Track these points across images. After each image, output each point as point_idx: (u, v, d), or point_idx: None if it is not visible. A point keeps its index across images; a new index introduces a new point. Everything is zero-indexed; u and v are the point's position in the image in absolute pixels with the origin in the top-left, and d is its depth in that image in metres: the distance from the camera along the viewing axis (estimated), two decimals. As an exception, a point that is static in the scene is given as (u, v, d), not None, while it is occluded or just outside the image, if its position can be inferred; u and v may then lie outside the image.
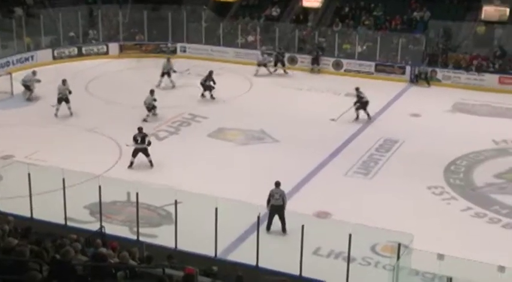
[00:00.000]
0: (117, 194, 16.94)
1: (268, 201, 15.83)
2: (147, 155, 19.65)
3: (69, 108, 23.95)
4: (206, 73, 26.89)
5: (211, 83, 26.38)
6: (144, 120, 23.40)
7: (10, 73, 27.39)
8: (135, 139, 19.64)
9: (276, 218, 15.86)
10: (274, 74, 30.53)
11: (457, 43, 31.05)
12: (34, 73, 26.20)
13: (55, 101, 24.19)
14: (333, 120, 23.40)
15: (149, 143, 19.75)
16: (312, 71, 31.02)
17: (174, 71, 28.31)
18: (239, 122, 23.86)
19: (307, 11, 34.64)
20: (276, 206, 15.80)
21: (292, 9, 35.01)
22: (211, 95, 26.45)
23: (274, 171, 19.54)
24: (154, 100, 23.90)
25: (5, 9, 32.73)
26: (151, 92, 24.20)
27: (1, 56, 30.30)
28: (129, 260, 10.90)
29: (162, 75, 28.08)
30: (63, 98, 23.92)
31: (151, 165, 19.68)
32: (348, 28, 32.78)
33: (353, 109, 24.28)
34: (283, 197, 15.90)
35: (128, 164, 19.76)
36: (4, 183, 16.90)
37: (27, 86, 26.04)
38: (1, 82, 26.18)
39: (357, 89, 24.56)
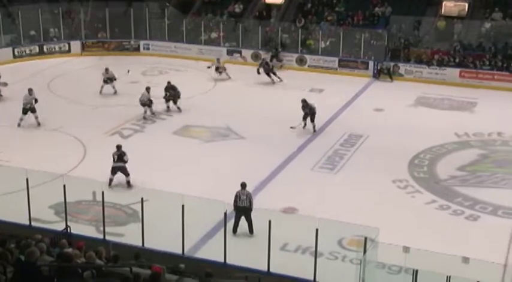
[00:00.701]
0: (82, 193, 16.75)
1: (235, 202, 15.57)
2: (126, 174, 18.30)
3: (36, 117, 22.74)
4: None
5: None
6: (144, 117, 23.48)
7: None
8: (112, 157, 18.39)
9: (243, 219, 15.73)
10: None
11: (418, 38, 31.40)
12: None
13: (18, 101, 23.82)
14: (292, 128, 22.78)
15: (126, 161, 18.34)
16: (272, 68, 30.82)
17: (115, 79, 26.77)
18: (204, 119, 23.83)
19: (270, 7, 34.75)
20: (243, 208, 15.54)
21: (255, 5, 35.06)
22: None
23: (241, 167, 19.62)
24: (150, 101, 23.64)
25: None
26: (147, 89, 23.85)
27: (-40, 55, 29.79)
28: (96, 260, 10.81)
29: (107, 82, 26.81)
30: (29, 108, 22.66)
31: (128, 185, 18.20)
32: (311, 24, 32.92)
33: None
34: (250, 199, 15.63)
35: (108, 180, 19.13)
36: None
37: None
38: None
39: (303, 101, 22.97)
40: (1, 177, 15.99)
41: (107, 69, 26.98)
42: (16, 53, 32.04)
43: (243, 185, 15.85)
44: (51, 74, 29.20)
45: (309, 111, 22.89)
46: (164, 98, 24.80)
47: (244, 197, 15.56)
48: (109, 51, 33.73)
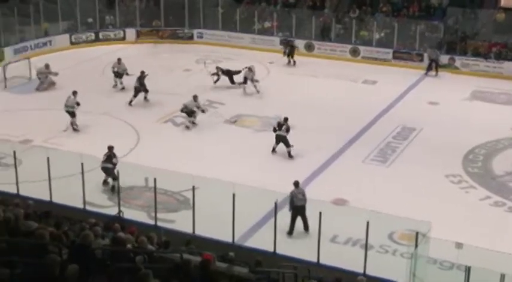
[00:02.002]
0: (135, 179, 16.99)
1: (291, 202, 15.19)
2: (112, 176, 17.16)
3: (72, 123, 21.62)
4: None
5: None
6: (187, 127, 22.02)
7: (28, 58, 27.47)
8: (103, 156, 17.37)
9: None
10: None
11: (475, 30, 30.74)
12: (47, 66, 26.11)
13: (71, 87, 24.18)
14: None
15: (114, 165, 17.17)
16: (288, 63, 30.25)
17: (127, 74, 25.86)
18: (256, 108, 23.81)
19: (324, -3, 34.43)
20: (300, 207, 15.14)
21: (310, -5, 34.77)
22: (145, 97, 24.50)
23: (292, 158, 19.57)
24: (198, 107, 22.24)
25: (22, -6, 32.82)
26: (195, 97, 22.26)
27: (19, 41, 30.40)
28: (147, 245, 10.93)
29: (116, 75, 26.16)
30: (67, 112, 21.65)
31: (113, 190, 16.98)
32: (365, 15, 32.54)
33: None
34: (305, 196, 15.21)
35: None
36: (24, 168, 16.95)
37: (39, 78, 25.98)
38: (19, 67, 26.25)
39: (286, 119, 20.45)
40: (57, 161, 16.28)
41: (119, 60, 26.31)
42: (73, 39, 32.59)
43: (297, 184, 15.50)
44: (106, 61, 29.52)
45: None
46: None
47: (301, 196, 15.19)
48: (163, 39, 34.00)
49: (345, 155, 20.24)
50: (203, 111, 22.37)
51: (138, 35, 33.97)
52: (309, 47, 31.93)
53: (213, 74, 26.33)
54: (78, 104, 21.64)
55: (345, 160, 19.84)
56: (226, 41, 33.26)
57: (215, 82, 26.20)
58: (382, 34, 31.67)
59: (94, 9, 33.39)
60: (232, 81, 26.25)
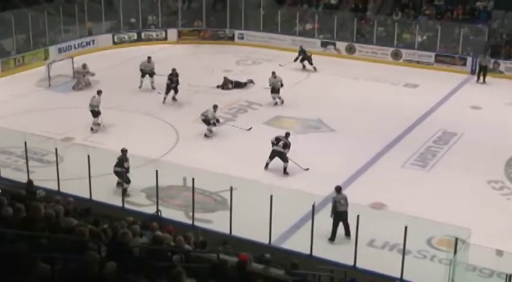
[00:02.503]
0: (173, 179, 17.11)
1: (334, 208, 15.00)
2: (124, 180, 16.95)
3: (96, 123, 21.65)
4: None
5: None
6: (206, 135, 21.44)
7: (71, 57, 27.89)
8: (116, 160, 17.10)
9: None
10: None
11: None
12: (84, 66, 26.47)
13: (113, 86, 24.45)
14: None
15: (127, 170, 16.99)
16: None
17: (154, 73, 26.05)
18: (296, 110, 23.77)
19: (366, -1, 34.23)
20: (342, 212, 14.91)
21: (352, -3, 34.62)
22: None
23: (330, 160, 19.49)
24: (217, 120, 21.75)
25: (67, -6, 33.35)
26: (215, 107, 21.72)
27: (63, 40, 30.89)
28: (184, 244, 11.01)
29: (143, 75, 26.13)
30: (92, 111, 21.73)
31: (123, 193, 16.58)
32: (408, 17, 32.23)
33: None
34: (347, 202, 14.92)
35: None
36: (64, 165, 17.24)
37: (76, 77, 26.31)
38: (63, 66, 26.67)
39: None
40: (97, 159, 16.49)
41: (149, 58, 26.26)
42: (115, 39, 33.00)
43: (339, 189, 15.26)
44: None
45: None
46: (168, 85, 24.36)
47: (343, 201, 14.93)
48: (204, 39, 34.19)
49: (384, 158, 20.07)
50: (217, 121, 21.70)
51: (180, 35, 34.22)
52: (350, 50, 31.77)
53: (220, 86, 26.40)
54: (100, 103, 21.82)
55: (384, 164, 19.68)
56: (267, 42, 33.29)
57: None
58: (425, 37, 31.33)
59: (137, 10, 33.76)
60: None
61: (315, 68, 29.10)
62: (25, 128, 19.39)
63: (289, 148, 18.77)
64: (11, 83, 26.68)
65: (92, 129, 21.58)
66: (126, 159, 16.94)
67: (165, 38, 33.94)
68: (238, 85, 26.51)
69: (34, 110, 21.62)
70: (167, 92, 24.34)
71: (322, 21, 33.41)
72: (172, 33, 34.08)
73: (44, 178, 16.60)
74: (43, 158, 19.00)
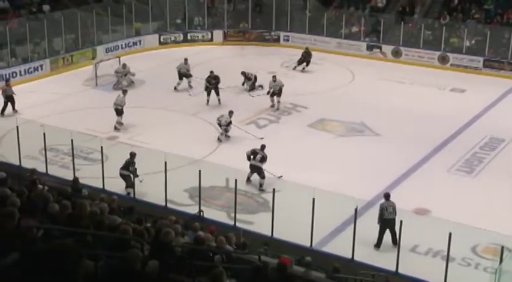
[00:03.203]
0: (216, 179, 17.19)
1: (381, 215, 14.73)
2: (128, 184, 16.91)
3: (118, 122, 21.88)
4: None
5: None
6: (219, 139, 21.04)
7: (118, 57, 28.25)
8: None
9: None
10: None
11: None
12: (124, 66, 26.76)
13: (158, 85, 24.58)
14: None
15: (133, 173, 16.85)
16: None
17: (190, 75, 26.35)
18: (340, 113, 23.62)
19: (413, 2, 33.83)
20: (390, 220, 14.63)
21: (399, 0, 34.27)
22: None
23: (373, 164, 19.34)
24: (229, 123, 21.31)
25: (116, -6, 33.83)
26: (230, 113, 21.29)
27: (110, 40, 31.32)
28: (226, 245, 11.03)
29: (180, 77, 26.30)
30: (115, 109, 21.96)
31: (129, 193, 16.77)
32: (456, 21, 31.77)
33: None
34: (395, 210, 14.61)
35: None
36: (109, 163, 17.46)
37: (118, 77, 26.62)
38: (110, 65, 27.02)
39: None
40: (141, 159, 16.67)
41: (185, 60, 26.53)
42: (162, 39, 33.33)
43: (387, 196, 15.00)
44: (194, 62, 29.95)
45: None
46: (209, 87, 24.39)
47: (391, 209, 14.65)
48: (249, 41, 34.26)
49: (429, 163, 19.81)
50: (229, 124, 21.09)
51: (225, 36, 34.37)
52: (396, 53, 31.46)
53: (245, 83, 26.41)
54: (124, 103, 21.96)
55: (429, 169, 19.42)
56: (313, 44, 33.09)
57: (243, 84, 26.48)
58: (473, 41, 30.84)
59: (183, 11, 34.03)
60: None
61: (303, 68, 29.29)
62: (72, 126, 19.73)
63: (265, 161, 17.83)
64: (59, 81, 27.17)
65: (115, 127, 21.80)
66: (133, 163, 16.86)
67: (211, 39, 34.13)
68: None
69: (81, 108, 21.97)
70: (208, 94, 24.38)
71: (369, 24, 33.16)
72: (218, 34, 34.24)
73: (89, 176, 16.86)
74: (89, 156, 19.29)
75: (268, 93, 24.39)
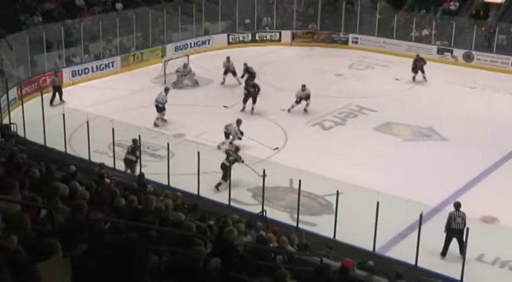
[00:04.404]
0: (280, 180, 17.20)
1: (448, 224, 14.37)
2: (132, 169, 17.85)
3: (158, 118, 22.23)
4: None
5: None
6: (218, 147, 20.02)
7: (187, 55, 28.61)
8: (127, 149, 18.18)
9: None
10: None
11: None
12: (185, 66, 27.01)
13: (226, 85, 24.68)
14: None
15: (138, 157, 17.89)
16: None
17: (235, 74, 26.65)
18: (407, 117, 23.26)
19: (488, 5, 33.05)
20: (457, 230, 14.21)
21: (472, 3, 33.51)
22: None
23: (441, 169, 19.00)
24: None
25: (186, -6, 34.28)
26: (238, 122, 20.65)
27: (181, 38, 31.75)
28: (288, 246, 11.04)
29: (225, 73, 26.90)
30: (156, 107, 22.32)
31: (134, 176, 17.09)
32: (532, 25, 30.88)
33: None
34: (465, 221, 14.09)
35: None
36: (175, 161, 17.70)
37: (178, 77, 26.92)
38: (179, 63, 27.38)
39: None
40: (206, 156, 16.81)
41: (228, 58, 26.80)
42: (230, 39, 33.58)
43: (458, 205, 14.57)
44: (262, 62, 30.12)
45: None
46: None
47: (460, 220, 14.23)
48: (317, 42, 34.12)
49: (499, 171, 19.29)
50: (241, 134, 20.26)
51: (294, 37, 34.35)
52: (468, 57, 30.78)
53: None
54: (166, 101, 22.27)
55: (498, 176, 18.91)
56: (382, 47, 32.79)
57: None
58: (549, 46, 29.92)
59: (252, 10, 34.20)
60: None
61: (424, 77, 27.78)
62: (140, 122, 20.10)
63: (238, 162, 17.35)
64: (129, 78, 27.72)
65: (155, 124, 22.08)
66: (138, 148, 17.83)
67: (279, 40, 34.18)
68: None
69: (149, 105, 22.30)
70: (254, 101, 23.68)
71: (440, 27, 32.54)
72: (286, 35, 34.26)
73: (155, 172, 17.13)
74: (155, 153, 19.61)
75: (296, 102, 23.68)
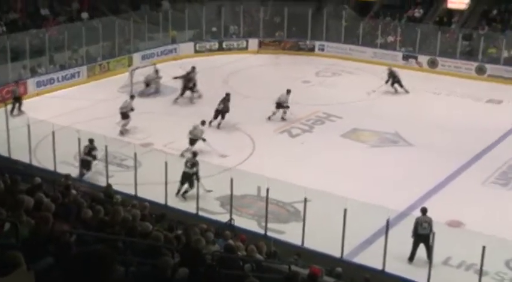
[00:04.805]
0: (247, 188, 17.22)
1: (415, 229, 14.50)
2: (87, 168, 18.45)
3: (123, 125, 22.30)
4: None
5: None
6: (182, 155, 19.76)
7: (154, 64, 28.50)
8: (83, 149, 18.52)
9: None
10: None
11: None
12: (157, 72, 27.04)
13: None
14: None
15: (95, 157, 18.48)
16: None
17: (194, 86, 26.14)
18: (374, 123, 23.49)
19: (452, 12, 33.54)
20: (424, 235, 14.35)
21: (436, 10, 34.01)
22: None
23: (407, 175, 19.19)
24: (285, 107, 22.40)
25: (153, 2, 34.17)
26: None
27: (147, 47, 31.65)
28: (256, 254, 11.05)
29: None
30: (121, 113, 22.46)
31: (80, 177, 18.08)
32: (494, 32, 31.39)
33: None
34: (431, 226, 14.26)
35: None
36: (142, 170, 17.62)
37: (147, 83, 26.89)
38: (146, 72, 27.29)
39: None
40: (174, 166, 16.77)
41: (193, 68, 26.41)
42: (197, 48, 33.55)
43: (424, 211, 14.74)
44: (228, 70, 30.21)
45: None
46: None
47: (426, 225, 14.39)
48: (284, 50, 34.28)
49: (464, 175, 19.58)
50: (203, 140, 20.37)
51: (261, 45, 34.46)
52: (433, 64, 31.20)
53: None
54: (132, 109, 22.32)
55: (463, 181, 19.20)
56: (348, 54, 33.08)
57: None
58: None
59: (219, 19, 34.24)
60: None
61: (406, 90, 27.58)
62: (107, 132, 19.96)
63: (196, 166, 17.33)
64: (95, 88, 27.53)
65: (120, 132, 22.13)
66: (95, 148, 18.39)
67: (246, 48, 34.26)
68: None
69: (116, 115, 22.17)
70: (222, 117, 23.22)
71: (405, 34, 32.93)
72: (253, 43, 34.36)
73: (122, 182, 17.02)
74: (122, 163, 19.48)
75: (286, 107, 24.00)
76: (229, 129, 22.92)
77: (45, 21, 29.65)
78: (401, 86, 27.56)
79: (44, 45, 27.49)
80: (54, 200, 9.65)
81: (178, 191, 17.46)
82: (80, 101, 25.47)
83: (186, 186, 17.39)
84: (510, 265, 14.51)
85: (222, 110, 23.05)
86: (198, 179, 17.01)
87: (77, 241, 7.24)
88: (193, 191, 16.82)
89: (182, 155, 19.54)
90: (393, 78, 27.50)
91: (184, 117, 22.47)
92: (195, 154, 18.28)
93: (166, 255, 7.96)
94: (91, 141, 18.43)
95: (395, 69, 28.13)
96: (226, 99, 23.23)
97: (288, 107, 23.60)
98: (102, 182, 17.07)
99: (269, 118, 23.53)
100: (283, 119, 23.76)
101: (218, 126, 22.86)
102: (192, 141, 20.21)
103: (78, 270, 3.19)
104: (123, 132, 22.17)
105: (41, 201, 9.01)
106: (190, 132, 20.33)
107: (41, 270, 5.24)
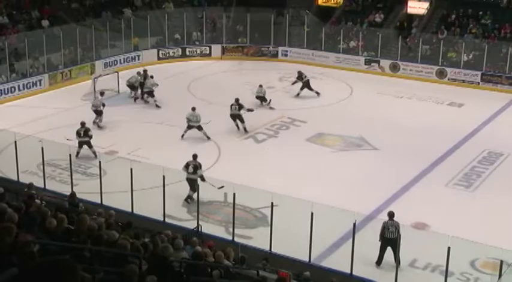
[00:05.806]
0: (214, 194, 17.15)
1: (382, 233, 14.47)
2: (90, 146, 20.32)
3: (98, 120, 23.43)
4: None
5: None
6: (248, 110, 23.36)
7: (117, 72, 28.31)
8: (78, 133, 20.32)
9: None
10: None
11: None
12: (139, 73, 26.88)
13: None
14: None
15: (91, 137, 20.37)
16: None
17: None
18: (339, 127, 23.63)
19: (411, 17, 33.98)
20: (391, 239, 14.27)
21: (397, 15, 34.42)
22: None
23: (372, 178, 19.34)
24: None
25: (114, 10, 33.92)
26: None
27: (109, 55, 31.39)
28: (224, 260, 11.00)
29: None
30: (94, 111, 23.47)
31: (95, 156, 19.81)
32: (453, 36, 31.90)
33: None
34: (398, 230, 14.11)
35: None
36: (107, 178, 17.45)
37: (132, 87, 26.80)
38: (108, 80, 27.08)
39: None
40: (139, 173, 16.64)
41: (145, 71, 27.15)
42: (160, 54, 33.41)
43: (391, 215, 14.68)
44: (192, 76, 30.13)
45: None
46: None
47: (393, 229, 14.33)
48: (248, 56, 34.33)
49: (428, 178, 19.81)
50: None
51: (224, 51, 34.46)
52: (394, 68, 31.56)
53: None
54: (103, 104, 23.56)
55: (427, 183, 19.42)
56: (311, 59, 33.27)
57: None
58: (471, 56, 30.95)
59: (182, 26, 34.15)
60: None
61: (317, 92, 27.55)
62: (70, 141, 19.74)
63: (200, 169, 17.60)
64: (57, 96, 27.21)
65: (97, 125, 23.13)
66: (89, 129, 20.51)
67: (209, 54, 34.23)
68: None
69: (79, 123, 21.91)
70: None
71: (367, 39, 33.27)
72: (216, 49, 34.34)
73: (87, 191, 16.84)
74: (87, 171, 19.28)
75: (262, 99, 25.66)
76: (194, 135, 22.81)
77: (4, 30, 29.22)
78: (310, 89, 27.38)
79: (4, 53, 27.08)
80: (17, 210, 9.47)
81: (190, 197, 17.38)
82: (42, 110, 25.16)
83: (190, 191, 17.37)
84: (475, 265, 14.68)
85: (234, 114, 23.31)
86: (203, 180, 17.30)
87: (42, 251, 7.12)
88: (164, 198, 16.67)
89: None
90: (302, 80, 27.49)
91: (148, 124, 22.33)
92: (195, 156, 17.97)
93: (133, 263, 7.87)
94: (83, 123, 20.34)
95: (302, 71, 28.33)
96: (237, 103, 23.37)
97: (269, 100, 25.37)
98: (66, 190, 16.82)
99: (248, 110, 23.37)
100: (271, 108, 25.56)
101: (245, 129, 23.25)
102: (190, 127, 22.08)
103: (42, 281, 3.13)
104: (99, 125, 23.22)
105: (4, 211, 8.83)
106: (189, 119, 22.08)
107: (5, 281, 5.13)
